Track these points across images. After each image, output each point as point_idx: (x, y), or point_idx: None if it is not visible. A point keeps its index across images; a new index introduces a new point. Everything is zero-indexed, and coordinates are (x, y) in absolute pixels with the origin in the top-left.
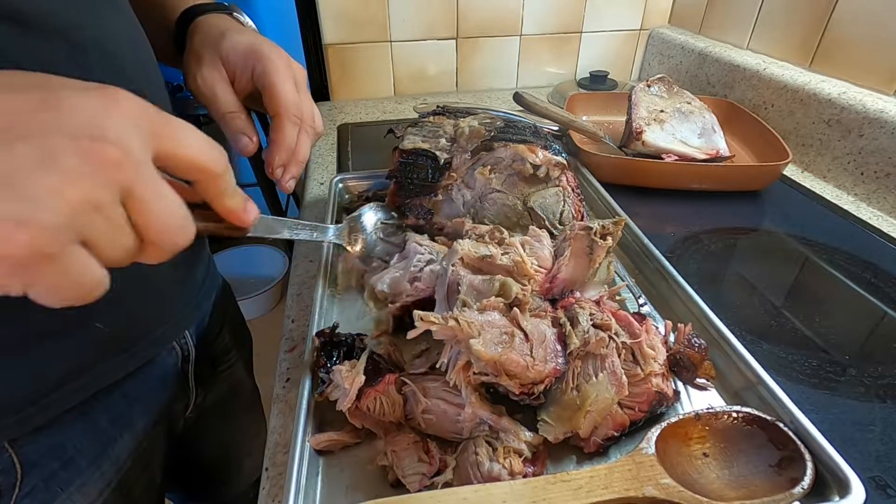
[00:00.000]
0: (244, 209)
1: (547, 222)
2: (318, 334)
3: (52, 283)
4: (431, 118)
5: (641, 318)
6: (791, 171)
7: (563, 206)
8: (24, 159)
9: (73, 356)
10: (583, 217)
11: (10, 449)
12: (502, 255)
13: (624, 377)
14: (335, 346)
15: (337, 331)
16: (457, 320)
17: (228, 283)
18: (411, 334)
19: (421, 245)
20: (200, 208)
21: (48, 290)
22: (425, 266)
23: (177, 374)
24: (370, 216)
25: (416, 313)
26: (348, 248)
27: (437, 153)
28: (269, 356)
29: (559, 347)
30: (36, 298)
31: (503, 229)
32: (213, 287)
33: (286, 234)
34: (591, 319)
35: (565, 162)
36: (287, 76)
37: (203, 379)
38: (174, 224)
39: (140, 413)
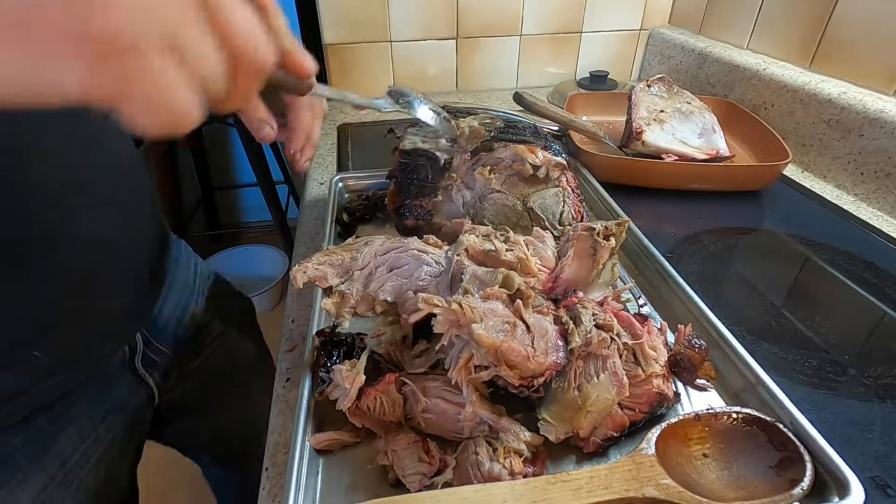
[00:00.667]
0: (302, 52)
1: (547, 223)
2: (318, 334)
3: (142, 93)
4: None
5: (643, 318)
6: (791, 171)
7: (563, 207)
8: None
9: (12, 384)
10: (583, 217)
11: None
12: (507, 251)
13: (625, 378)
14: (335, 345)
15: (337, 330)
16: (460, 304)
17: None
18: (413, 317)
19: (426, 254)
20: None
21: (140, 102)
22: (433, 280)
23: (123, 372)
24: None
25: (420, 296)
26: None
27: (437, 153)
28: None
29: (560, 342)
30: (130, 118)
31: (508, 229)
32: (158, 288)
33: (343, 98)
34: (594, 319)
35: (565, 162)
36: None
37: (164, 366)
38: (256, 36)
39: (81, 412)
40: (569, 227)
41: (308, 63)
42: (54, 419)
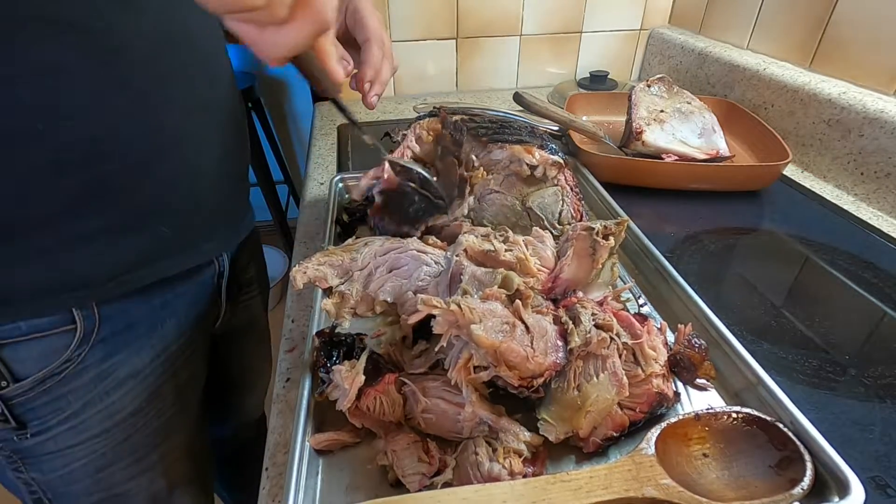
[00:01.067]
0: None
1: (546, 222)
2: (318, 334)
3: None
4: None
5: (643, 318)
6: (791, 171)
7: (562, 206)
8: None
9: (143, 249)
10: (582, 216)
11: (92, 303)
12: (506, 251)
13: (625, 378)
14: (335, 345)
15: (337, 330)
16: (459, 305)
17: (259, 233)
18: (412, 319)
19: (425, 254)
20: None
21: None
22: (432, 280)
23: (213, 286)
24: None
25: (419, 297)
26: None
27: (424, 171)
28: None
29: (560, 342)
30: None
31: (507, 229)
32: (248, 226)
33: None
34: (593, 319)
35: (562, 161)
36: (373, 12)
37: (231, 299)
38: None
39: (183, 306)
40: (568, 227)
41: (338, 75)
42: (166, 304)
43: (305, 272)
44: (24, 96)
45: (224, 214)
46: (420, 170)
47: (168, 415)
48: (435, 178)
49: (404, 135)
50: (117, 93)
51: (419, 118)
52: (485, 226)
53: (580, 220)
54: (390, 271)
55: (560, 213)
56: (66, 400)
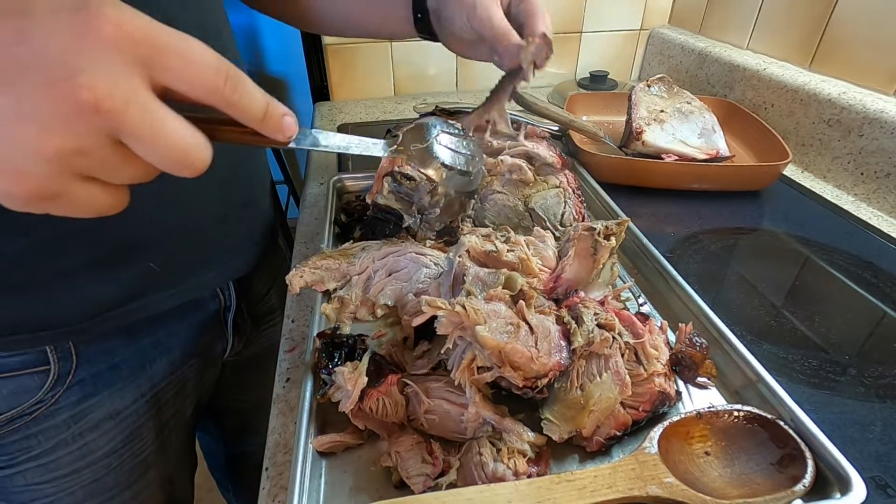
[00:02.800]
0: (280, 126)
1: (548, 223)
2: (320, 335)
3: (65, 210)
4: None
5: (644, 318)
6: (791, 171)
7: (565, 208)
8: (4, 111)
9: (126, 285)
10: (584, 218)
11: (71, 344)
12: (508, 251)
13: (627, 377)
14: (336, 347)
15: (338, 332)
16: (464, 307)
17: (284, 258)
18: (417, 320)
19: (424, 256)
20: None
21: (65, 212)
22: (433, 282)
23: (216, 320)
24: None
25: (423, 298)
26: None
27: (405, 217)
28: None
29: (563, 343)
30: (59, 214)
31: (509, 229)
32: (255, 254)
33: (333, 148)
34: (596, 319)
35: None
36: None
37: (242, 332)
38: (179, 152)
39: (178, 344)
40: (569, 228)
41: (282, 132)
42: (156, 343)
43: (302, 276)
44: None
45: (224, 245)
46: (393, 202)
47: (146, 454)
48: (434, 199)
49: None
50: None
51: (422, 117)
52: (486, 226)
53: (582, 222)
54: (389, 274)
55: (562, 215)
56: (35, 439)
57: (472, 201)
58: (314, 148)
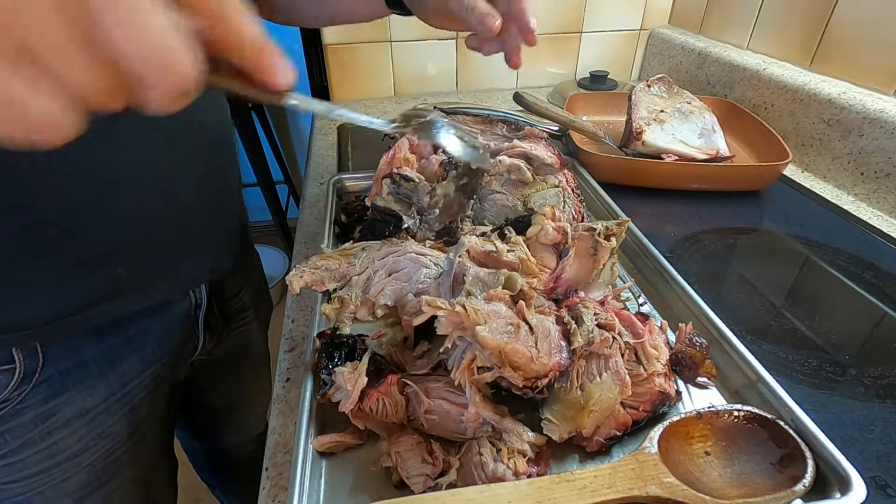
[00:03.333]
0: (274, 65)
1: None
2: (320, 335)
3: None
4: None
5: (644, 318)
6: (791, 171)
7: (564, 207)
8: None
9: (96, 290)
10: (583, 218)
11: (36, 342)
12: (508, 251)
13: (627, 377)
14: (336, 347)
15: (338, 332)
16: (464, 307)
17: (258, 253)
18: (417, 320)
19: (424, 256)
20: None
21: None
22: (432, 282)
23: (187, 319)
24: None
25: (423, 298)
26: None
27: (405, 218)
28: (271, 356)
29: (563, 343)
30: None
31: (510, 228)
32: (230, 258)
33: (330, 113)
34: (596, 319)
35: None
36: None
37: (214, 330)
38: (160, 46)
39: (148, 342)
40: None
41: (277, 76)
42: (126, 342)
43: (302, 276)
44: None
45: (195, 249)
46: (392, 203)
47: (118, 453)
48: (433, 200)
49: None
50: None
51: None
52: (486, 226)
53: (581, 222)
54: (389, 275)
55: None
56: (2, 438)
57: (471, 201)
58: (308, 108)
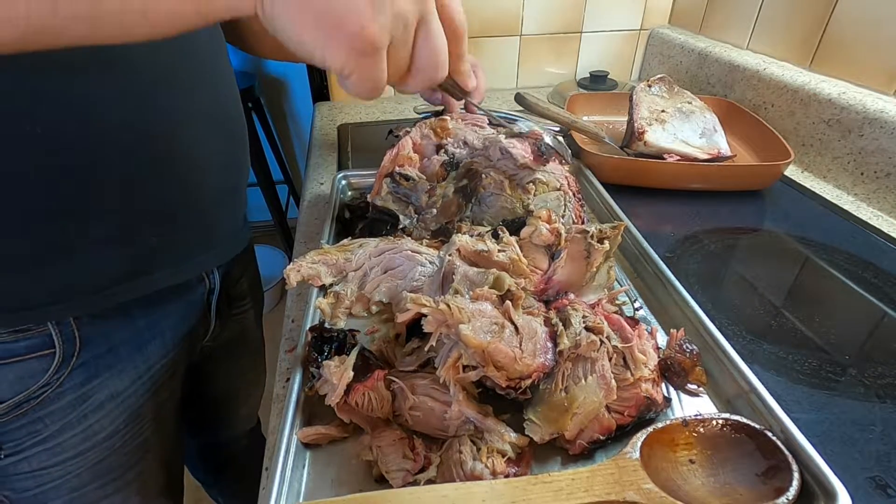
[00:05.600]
0: (469, 75)
1: None
2: (311, 329)
3: (365, 72)
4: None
5: (634, 322)
6: (791, 171)
7: (565, 211)
8: None
9: (129, 262)
10: (583, 221)
11: (73, 325)
12: (499, 251)
13: (613, 381)
14: (326, 341)
15: (325, 325)
16: (448, 305)
17: (253, 245)
18: (401, 318)
19: (419, 254)
20: None
21: (361, 77)
22: (427, 280)
23: (202, 304)
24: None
25: (408, 295)
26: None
27: (402, 218)
28: (270, 356)
29: (549, 344)
30: (349, 85)
31: (504, 229)
32: (243, 241)
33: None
34: (584, 322)
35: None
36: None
37: (224, 315)
38: (441, 57)
39: (169, 326)
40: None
41: (470, 81)
42: (150, 325)
43: (299, 270)
44: (15, 97)
45: (218, 229)
46: (391, 203)
47: (146, 434)
48: (431, 200)
49: (407, 131)
50: (116, 99)
51: (425, 117)
52: (484, 227)
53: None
54: (385, 272)
55: (562, 218)
56: (42, 423)
57: (470, 203)
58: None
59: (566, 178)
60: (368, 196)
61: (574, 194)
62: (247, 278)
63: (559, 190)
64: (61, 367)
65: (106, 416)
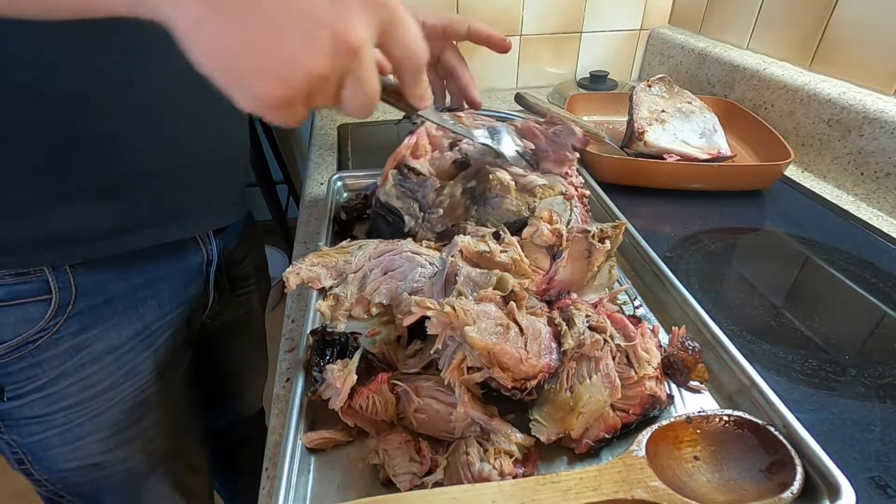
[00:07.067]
0: (422, 97)
1: None
2: (313, 332)
3: (276, 119)
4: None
5: (637, 321)
6: (791, 171)
7: (570, 215)
8: (293, 35)
9: (121, 215)
10: None
11: (69, 273)
12: (501, 252)
13: (617, 380)
14: (328, 344)
15: (328, 328)
16: (453, 307)
17: (258, 226)
18: (407, 321)
19: (419, 255)
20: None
21: (274, 120)
22: (427, 281)
23: (199, 273)
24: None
25: (413, 298)
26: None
27: (406, 218)
28: (271, 356)
29: (553, 344)
30: (345, 103)
31: (505, 230)
32: (238, 214)
33: (445, 125)
34: (587, 321)
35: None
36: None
37: (222, 290)
38: (367, 102)
39: (166, 289)
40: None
41: (423, 103)
42: (148, 284)
43: (299, 273)
44: (8, 47)
45: (210, 196)
46: (394, 200)
47: (147, 393)
48: (439, 198)
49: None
50: (109, 50)
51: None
52: (489, 228)
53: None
54: (385, 273)
55: (568, 221)
56: (40, 368)
57: (476, 206)
58: (434, 121)
59: (573, 182)
60: (378, 181)
61: (579, 199)
62: (252, 262)
63: (565, 193)
64: (58, 313)
65: (104, 368)
